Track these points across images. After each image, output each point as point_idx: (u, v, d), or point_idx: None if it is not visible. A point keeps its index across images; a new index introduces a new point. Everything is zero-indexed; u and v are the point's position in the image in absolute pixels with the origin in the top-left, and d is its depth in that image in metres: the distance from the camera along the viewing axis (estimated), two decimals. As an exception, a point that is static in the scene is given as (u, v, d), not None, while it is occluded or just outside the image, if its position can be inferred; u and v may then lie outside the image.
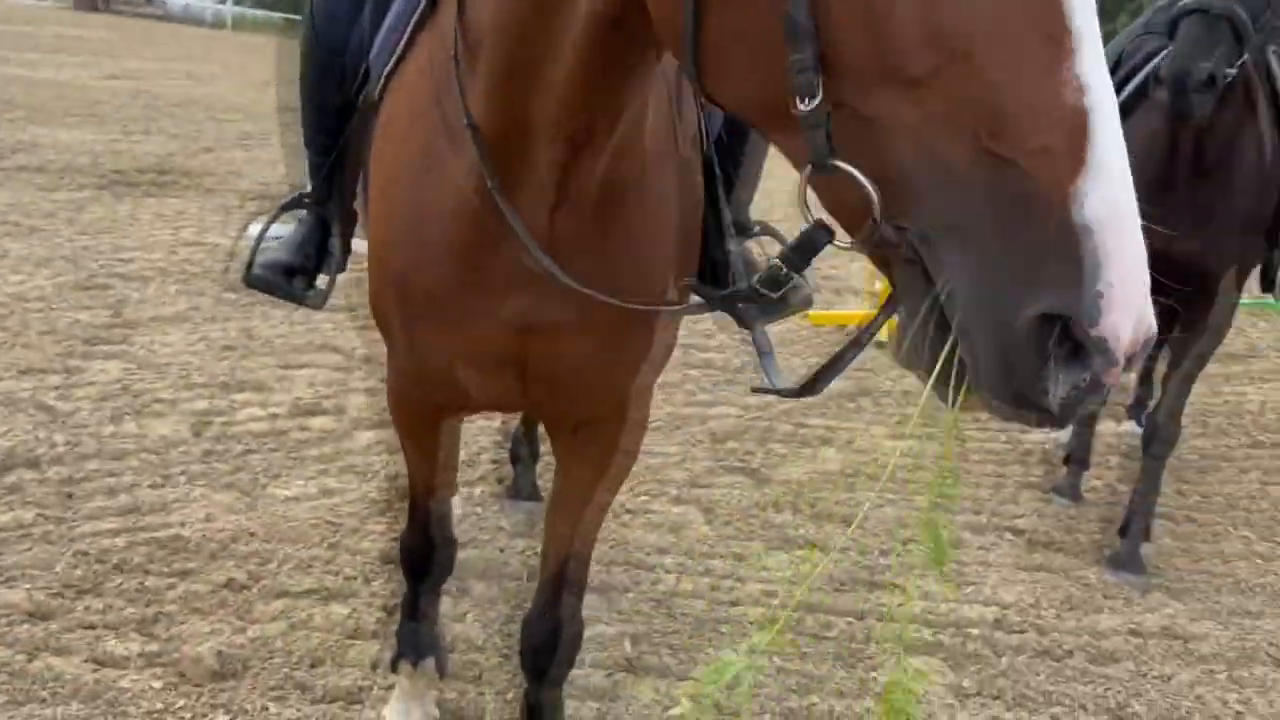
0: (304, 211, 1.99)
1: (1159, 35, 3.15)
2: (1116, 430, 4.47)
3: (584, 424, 1.78)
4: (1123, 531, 3.29)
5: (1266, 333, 6.96)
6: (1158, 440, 3.24)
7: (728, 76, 0.97)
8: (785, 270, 1.09)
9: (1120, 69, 3.09)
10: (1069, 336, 0.80)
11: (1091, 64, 0.81)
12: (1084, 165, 0.79)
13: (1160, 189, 2.81)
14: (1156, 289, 2.97)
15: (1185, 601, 3.15)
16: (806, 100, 0.86)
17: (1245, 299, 7.77)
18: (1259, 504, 3.96)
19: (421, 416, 1.86)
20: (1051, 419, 0.84)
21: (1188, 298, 3.09)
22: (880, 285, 5.93)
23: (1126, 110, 3.06)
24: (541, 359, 1.61)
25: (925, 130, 0.83)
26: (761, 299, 1.15)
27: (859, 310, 5.91)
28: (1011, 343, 0.81)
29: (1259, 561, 3.47)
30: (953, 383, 0.89)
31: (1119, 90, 3.05)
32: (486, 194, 1.42)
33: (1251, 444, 4.62)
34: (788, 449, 3.93)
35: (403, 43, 1.59)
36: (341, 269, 2.03)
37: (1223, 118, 2.86)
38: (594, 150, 1.42)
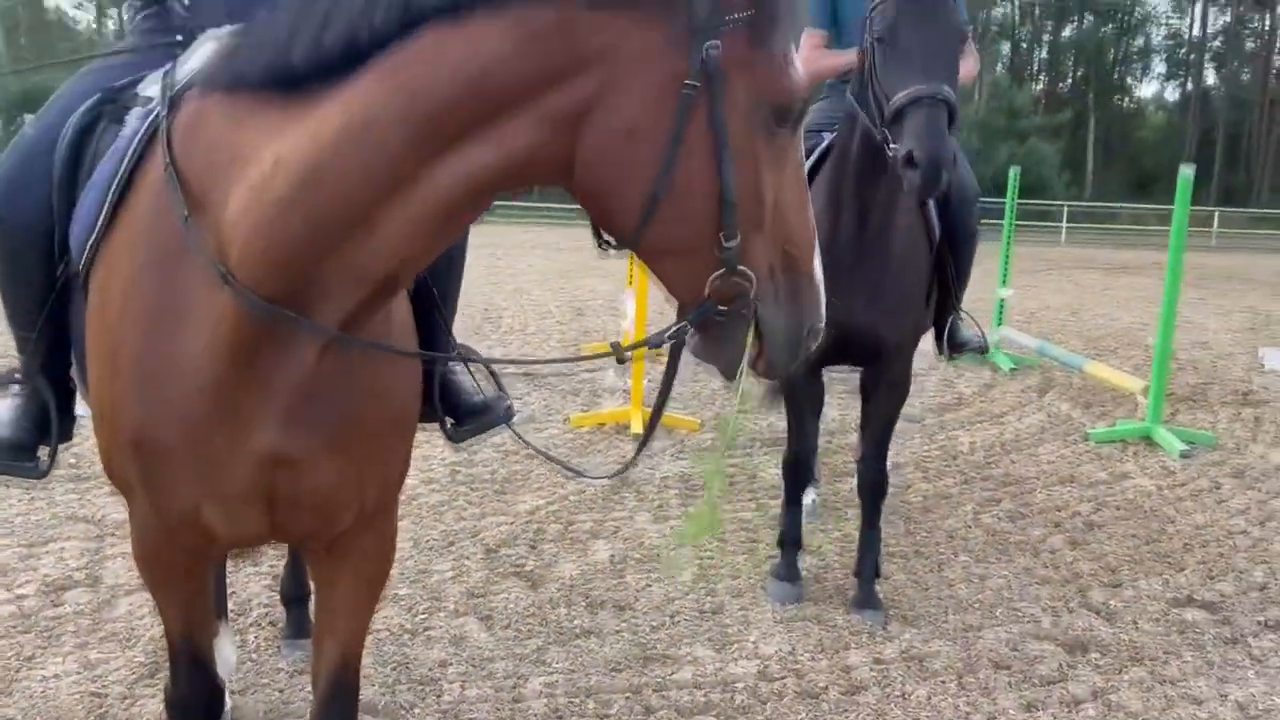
0: (17, 387, 2.02)
1: (815, 133, 3.66)
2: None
3: (338, 541, 1.87)
4: (857, 574, 3.68)
5: (971, 383, 7.86)
6: (868, 489, 3.66)
7: (669, 234, 1.42)
8: (689, 327, 1.50)
9: None
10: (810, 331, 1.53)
11: (812, 210, 1.54)
12: (815, 253, 1.51)
13: (833, 264, 3.24)
14: (845, 357, 3.40)
15: (919, 626, 3.56)
16: (730, 241, 1.41)
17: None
18: (974, 532, 4.51)
19: (171, 565, 1.87)
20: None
21: (872, 363, 3.59)
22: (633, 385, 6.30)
23: None
24: (291, 488, 1.69)
25: (768, 247, 1.45)
26: (659, 343, 1.52)
27: (616, 409, 6.24)
28: (796, 343, 1.52)
29: (975, 582, 3.96)
30: (744, 373, 1.52)
31: None
32: (244, 336, 1.52)
33: (964, 481, 5.24)
34: (559, 547, 4.12)
35: (105, 210, 1.67)
36: (66, 438, 2.05)
37: (877, 198, 3.24)
38: (394, 292, 1.58)
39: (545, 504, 4.59)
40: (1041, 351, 7.95)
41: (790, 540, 3.81)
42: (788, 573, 3.77)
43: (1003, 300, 8.81)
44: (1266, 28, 52.54)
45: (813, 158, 3.47)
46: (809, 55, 3.96)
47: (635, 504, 4.66)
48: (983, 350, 3.97)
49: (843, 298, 3.14)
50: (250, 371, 1.57)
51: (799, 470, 3.83)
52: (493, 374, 2.30)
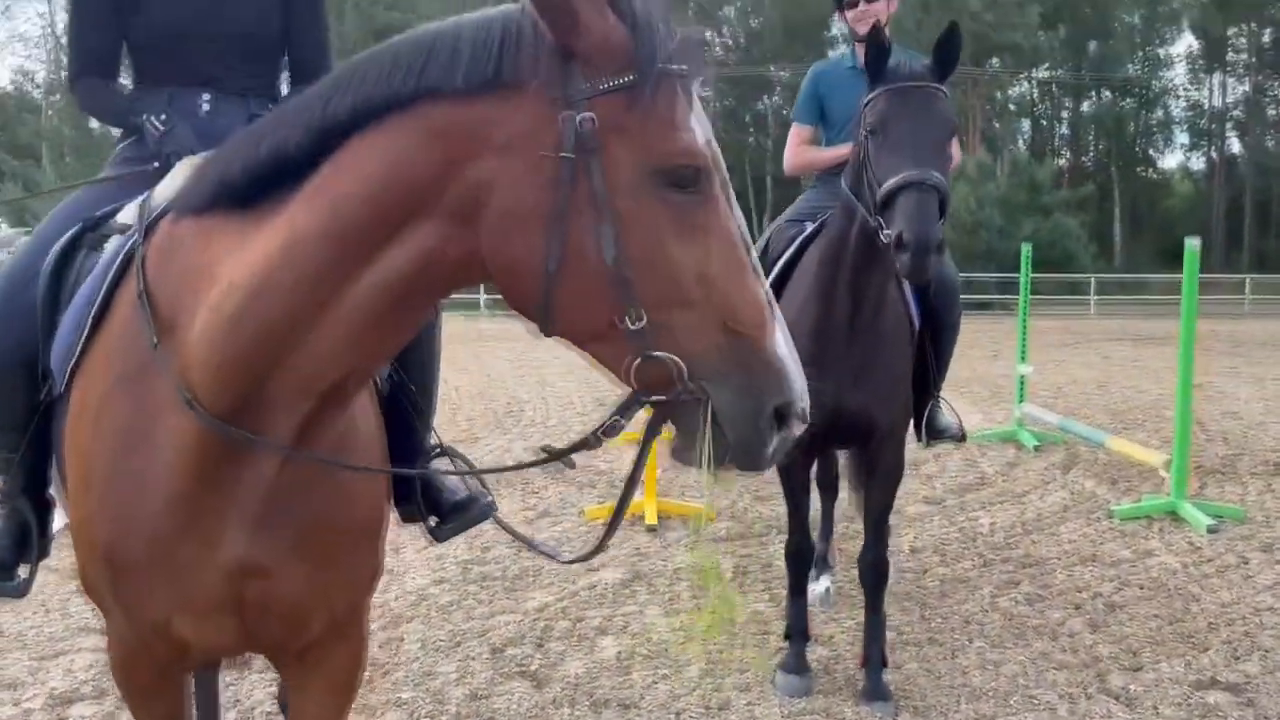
0: None
1: (798, 222, 3.77)
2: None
3: (309, 650, 1.88)
4: (864, 664, 3.62)
5: (994, 462, 7.78)
6: (869, 577, 3.62)
7: (572, 317, 1.40)
8: (621, 419, 1.45)
9: (769, 253, 3.70)
10: (780, 414, 1.37)
11: (761, 277, 1.43)
12: (771, 328, 1.38)
13: (823, 349, 3.28)
14: (837, 441, 3.45)
15: (929, 717, 3.47)
16: (635, 322, 1.35)
17: (988, 430, 8.62)
18: (990, 616, 4.42)
19: (146, 677, 1.89)
20: (766, 464, 1.41)
21: (864, 446, 3.59)
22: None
23: (782, 281, 3.59)
24: (260, 597, 1.72)
25: (703, 324, 1.36)
26: (599, 442, 1.48)
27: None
28: (757, 427, 1.36)
29: (990, 669, 3.86)
30: (711, 462, 1.38)
31: (771, 269, 3.60)
32: (206, 453, 1.58)
33: (983, 564, 5.15)
34: (566, 645, 4.09)
35: (84, 332, 1.75)
36: (44, 554, 2.10)
37: (872, 285, 3.30)
38: (344, 401, 1.62)
39: (555, 600, 4.57)
40: (1064, 428, 7.86)
41: (796, 631, 3.76)
42: (796, 665, 3.70)
43: (1023, 377, 8.74)
44: (1286, 94, 52.82)
45: (794, 245, 3.55)
46: (797, 149, 4.09)
47: (647, 597, 4.62)
48: (959, 438, 3.95)
49: (834, 380, 3.18)
50: (214, 485, 1.62)
51: (800, 559, 3.79)
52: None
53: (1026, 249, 8.90)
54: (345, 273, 1.44)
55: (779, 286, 3.51)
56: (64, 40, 42.84)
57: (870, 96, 3.12)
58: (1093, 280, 31.08)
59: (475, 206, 1.39)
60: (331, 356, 1.50)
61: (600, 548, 1.67)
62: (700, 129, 1.40)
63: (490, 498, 2.32)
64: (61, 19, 43.04)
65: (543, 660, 3.95)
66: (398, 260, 1.43)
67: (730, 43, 51.41)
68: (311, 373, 1.52)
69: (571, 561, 1.92)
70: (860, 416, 3.34)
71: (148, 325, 1.61)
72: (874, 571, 3.60)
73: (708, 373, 1.36)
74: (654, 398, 1.39)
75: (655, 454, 5.60)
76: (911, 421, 3.78)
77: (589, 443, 1.49)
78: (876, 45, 3.11)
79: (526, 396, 11.35)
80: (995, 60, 47.45)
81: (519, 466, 1.87)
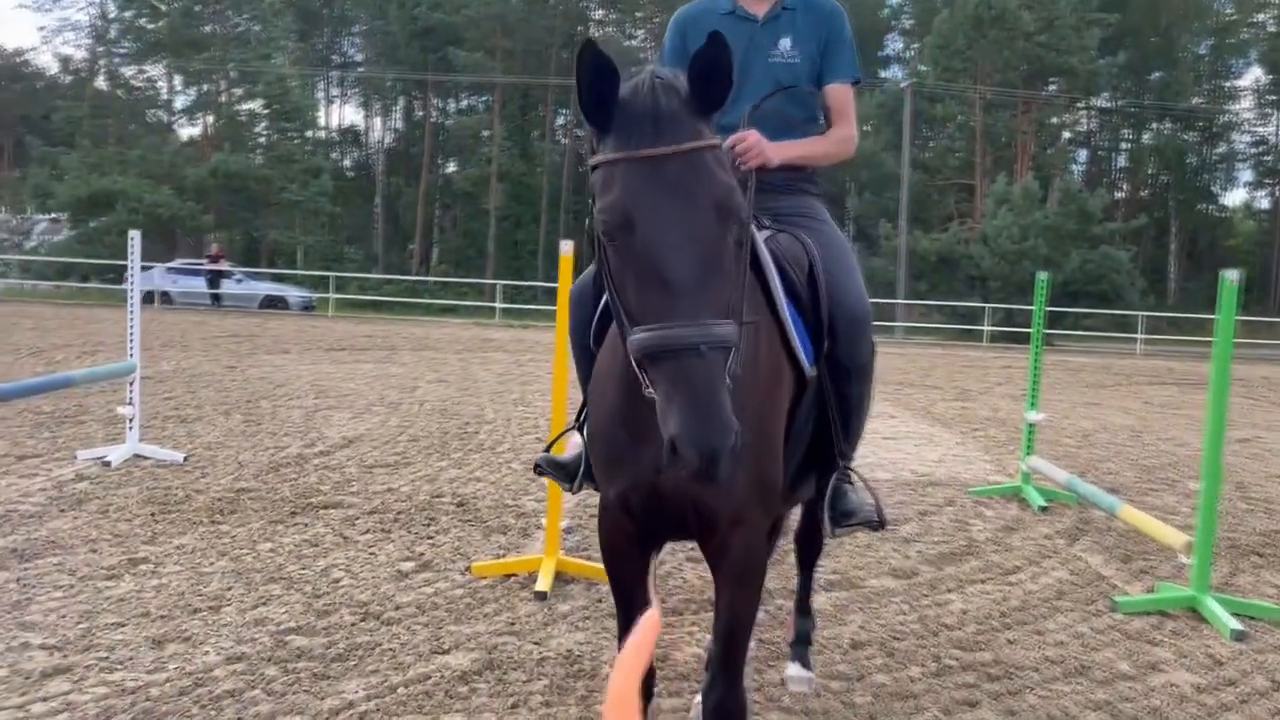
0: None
1: None
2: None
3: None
4: None
5: (991, 523, 6.65)
6: None
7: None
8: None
9: None
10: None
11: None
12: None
13: (631, 400, 2.31)
14: (666, 530, 2.38)
15: None
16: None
17: (990, 486, 7.50)
18: (926, 754, 3.33)
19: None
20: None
21: (703, 540, 2.57)
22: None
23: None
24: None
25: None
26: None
27: (526, 557, 5.20)
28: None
29: None
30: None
31: None
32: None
33: (937, 671, 4.05)
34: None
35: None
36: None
37: None
38: None
39: (365, 698, 3.56)
40: (1070, 488, 6.70)
41: None
42: None
43: (1031, 425, 7.59)
44: (1358, 132, 50.52)
45: None
46: None
47: (485, 699, 3.61)
48: (876, 525, 2.88)
49: (646, 446, 2.18)
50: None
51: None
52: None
53: (1042, 279, 7.73)
54: None
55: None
56: (111, 26, 43.39)
57: (597, 161, 2.02)
58: (1140, 318, 29.52)
59: None
60: None
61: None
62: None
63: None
64: (111, 8, 43.21)
65: (300, 793, 2.94)
66: None
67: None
68: None
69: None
70: (686, 499, 2.30)
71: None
72: (719, 716, 2.54)
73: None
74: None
75: (557, 498, 4.52)
76: (804, 504, 2.74)
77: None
78: (587, 57, 1.93)
79: (492, 416, 10.38)
80: (1051, 85, 45.85)
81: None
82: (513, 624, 4.34)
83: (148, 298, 29.28)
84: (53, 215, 37.59)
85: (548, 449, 3.05)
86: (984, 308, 31.44)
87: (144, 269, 30.79)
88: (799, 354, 2.51)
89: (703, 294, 1.89)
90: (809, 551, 3.86)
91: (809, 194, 3.08)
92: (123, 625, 4.06)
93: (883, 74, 54.18)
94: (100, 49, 43.88)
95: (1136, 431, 11.65)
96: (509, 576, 4.96)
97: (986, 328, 30.99)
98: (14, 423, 8.58)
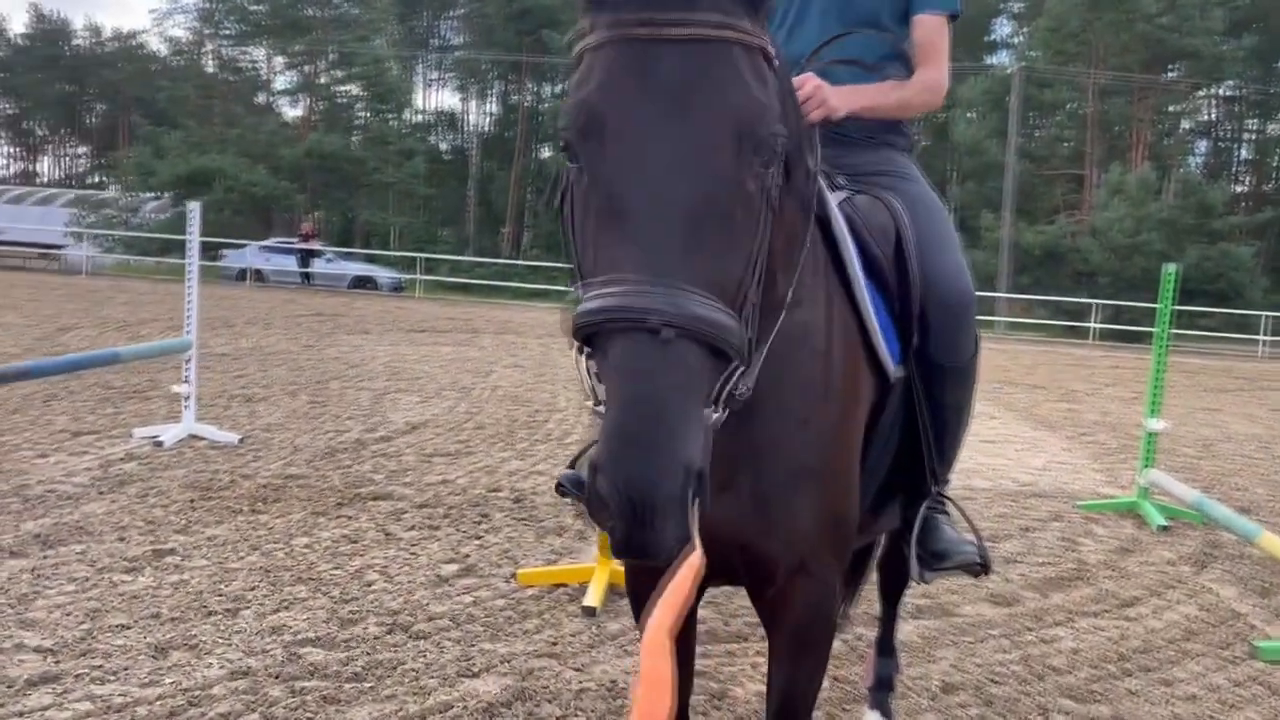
0: None
1: None
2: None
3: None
4: None
5: (1103, 542, 5.94)
6: None
7: None
8: None
9: None
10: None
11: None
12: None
13: None
14: (712, 572, 1.75)
15: None
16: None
17: (1102, 500, 6.77)
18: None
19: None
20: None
21: (755, 590, 2.02)
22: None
23: None
24: None
25: None
26: None
27: (575, 565, 4.72)
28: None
29: None
30: None
31: None
32: None
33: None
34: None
35: None
36: None
37: None
38: None
39: (380, 725, 3.12)
40: (1199, 508, 5.93)
41: None
42: None
43: (1152, 434, 6.80)
44: None
45: None
46: None
47: None
48: (977, 569, 2.29)
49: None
50: None
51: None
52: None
53: (1172, 270, 6.93)
54: None
55: None
56: (217, 9, 44.36)
57: (580, 48, 1.43)
58: (1265, 318, 27.70)
59: None
60: None
61: None
62: None
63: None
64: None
65: None
66: None
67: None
68: None
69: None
70: (732, 540, 1.77)
71: None
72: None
73: None
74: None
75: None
76: (883, 540, 2.19)
77: None
78: None
79: (564, 404, 9.95)
80: (1172, 71, 43.48)
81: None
82: (554, 644, 3.87)
83: (240, 275, 29.80)
84: (156, 194, 38.61)
85: (573, 464, 2.54)
86: (1092, 304, 29.91)
87: (237, 247, 31.31)
88: (881, 350, 1.95)
89: (687, 252, 1.26)
90: (894, 582, 3.28)
91: (896, 148, 2.47)
92: (128, 628, 3.70)
93: (989, 59, 52.22)
94: (207, 31, 44.91)
95: (1265, 442, 10.65)
96: (557, 586, 4.49)
97: (1094, 325, 29.48)
98: (81, 397, 8.46)
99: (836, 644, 4.02)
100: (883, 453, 2.09)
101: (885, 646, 3.37)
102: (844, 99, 2.10)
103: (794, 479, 1.76)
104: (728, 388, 1.34)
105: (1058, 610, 4.67)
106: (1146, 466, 6.73)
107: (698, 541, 1.16)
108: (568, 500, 2.56)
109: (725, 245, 1.32)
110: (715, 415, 1.31)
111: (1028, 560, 5.44)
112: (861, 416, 1.93)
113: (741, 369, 1.36)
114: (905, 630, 4.10)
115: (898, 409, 2.09)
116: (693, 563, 0.94)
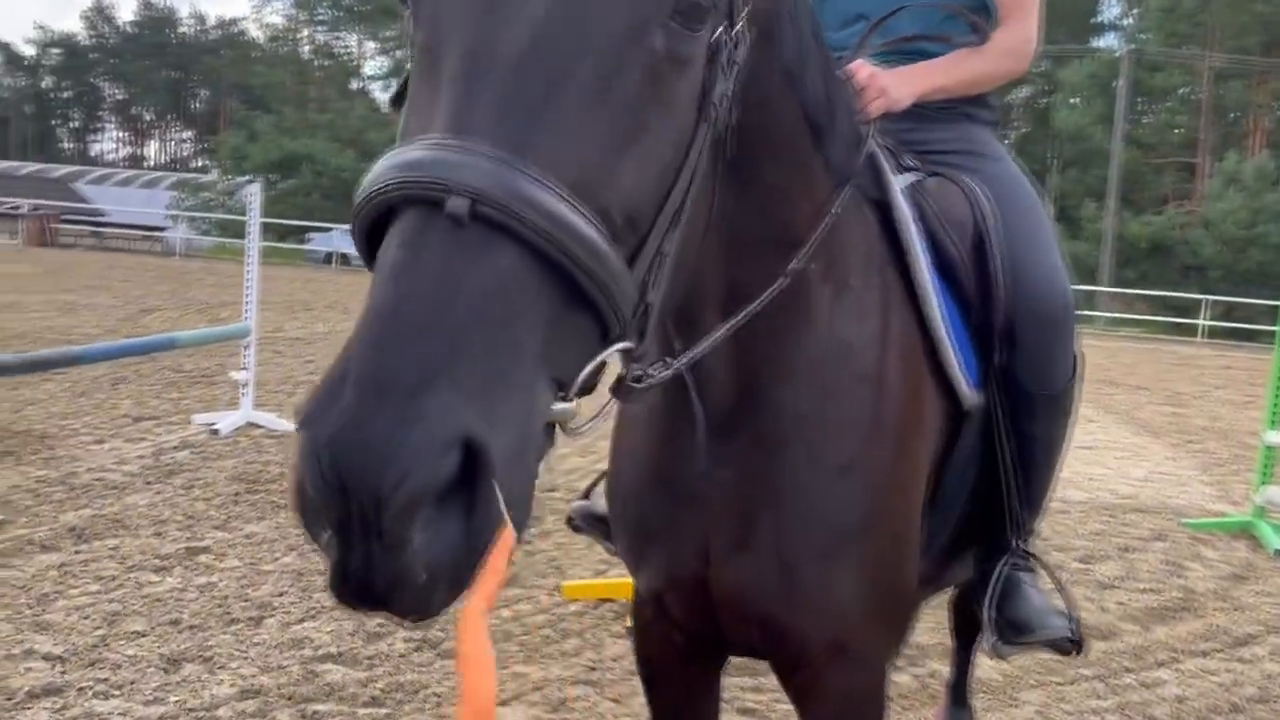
0: None
1: None
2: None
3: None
4: None
5: (1213, 567, 5.39)
6: None
7: None
8: None
9: None
10: None
11: None
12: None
13: (672, 461, 1.41)
14: (728, 644, 1.64)
15: None
16: None
17: (1214, 519, 6.22)
18: None
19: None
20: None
21: (785, 673, 1.66)
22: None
23: None
24: None
25: None
26: None
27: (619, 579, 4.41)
28: None
29: None
30: None
31: None
32: None
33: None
34: None
35: None
36: None
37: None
38: None
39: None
40: (1326, 535, 5.33)
41: None
42: None
43: (1271, 448, 6.18)
44: None
45: None
46: None
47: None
48: (1068, 646, 1.88)
49: (693, 523, 1.35)
50: None
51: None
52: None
53: (1298, 268, 6.26)
54: None
55: None
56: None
57: None
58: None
59: None
60: None
61: None
62: None
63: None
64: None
65: None
66: None
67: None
68: None
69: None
70: (750, 613, 1.41)
71: None
72: None
73: None
74: None
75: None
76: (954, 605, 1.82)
77: None
78: None
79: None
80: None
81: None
82: (593, 668, 3.56)
83: (327, 259, 30.21)
84: (249, 177, 39.59)
85: (586, 495, 2.21)
86: (1202, 300, 28.42)
87: (324, 231, 31.70)
88: (954, 372, 1.56)
89: (533, 118, 0.83)
90: (968, 626, 2.87)
91: (977, 120, 2.03)
92: (144, 635, 3.51)
93: (1095, 42, 50.17)
94: (302, 17, 45.80)
95: (1395, 455, 9.77)
96: (604, 601, 4.18)
97: (1203, 321, 28.01)
98: (150, 380, 8.46)
99: (905, 678, 3.63)
100: (956, 492, 1.70)
101: (959, 695, 2.97)
102: (907, 84, 1.69)
103: (830, 539, 1.39)
104: (595, 361, 0.90)
105: (1160, 648, 4.17)
106: (1265, 483, 6.11)
107: (507, 519, 0.76)
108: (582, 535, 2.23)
109: (608, 133, 0.88)
110: (565, 406, 0.87)
111: (1126, 586, 4.94)
112: (925, 455, 1.54)
113: (628, 345, 0.93)
114: (984, 666, 3.68)
115: (975, 442, 1.70)
116: (505, 539, 0.76)
